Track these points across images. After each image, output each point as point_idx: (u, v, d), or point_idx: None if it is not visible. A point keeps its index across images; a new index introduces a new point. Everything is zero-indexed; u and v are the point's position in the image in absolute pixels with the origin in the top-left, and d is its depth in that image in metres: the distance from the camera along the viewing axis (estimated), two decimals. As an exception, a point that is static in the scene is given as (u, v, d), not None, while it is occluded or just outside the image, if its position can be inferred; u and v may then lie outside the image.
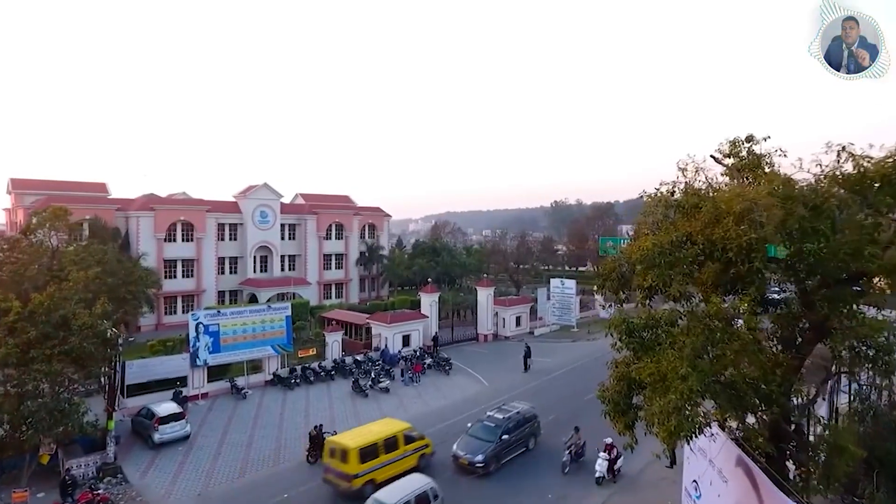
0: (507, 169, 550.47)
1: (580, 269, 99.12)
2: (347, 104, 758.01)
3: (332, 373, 35.15)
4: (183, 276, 59.03)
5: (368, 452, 20.40)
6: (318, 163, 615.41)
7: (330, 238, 69.91)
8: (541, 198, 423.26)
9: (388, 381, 32.96)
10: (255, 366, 34.31)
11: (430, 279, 47.47)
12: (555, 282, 48.92)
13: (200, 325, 31.26)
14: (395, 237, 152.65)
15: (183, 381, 30.55)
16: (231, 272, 63.33)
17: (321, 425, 24.28)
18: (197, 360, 30.97)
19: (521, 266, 78.29)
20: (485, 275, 48.02)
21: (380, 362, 37.05)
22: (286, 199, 73.30)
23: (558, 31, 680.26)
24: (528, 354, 36.28)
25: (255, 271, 64.13)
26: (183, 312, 57.97)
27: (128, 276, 36.98)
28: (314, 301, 66.73)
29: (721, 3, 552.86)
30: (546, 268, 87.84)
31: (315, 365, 35.47)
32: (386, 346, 38.85)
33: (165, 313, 57.11)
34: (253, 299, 60.69)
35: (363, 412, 29.53)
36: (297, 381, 33.73)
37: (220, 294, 61.91)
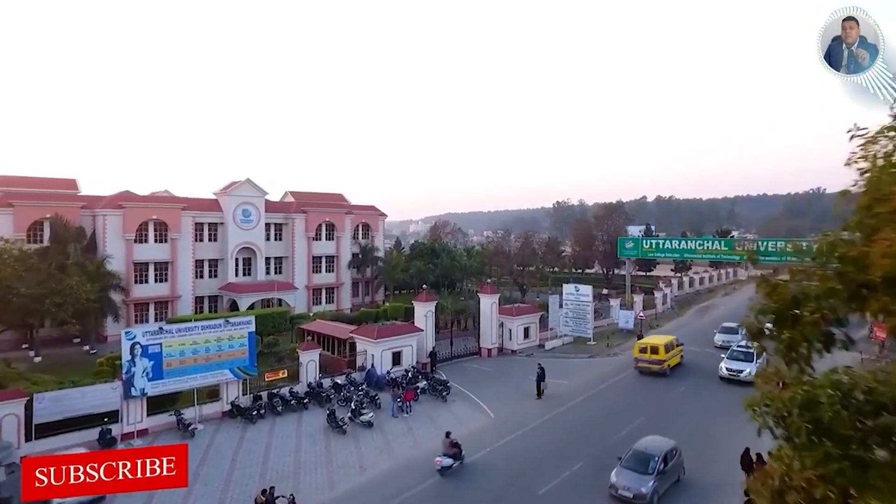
0: (509, 169, 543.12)
1: (587, 271, 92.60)
2: (347, 104, 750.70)
3: (306, 400, 28.40)
4: (156, 281, 52.36)
5: (666, 348, 32.97)
6: (317, 164, 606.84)
7: (320, 239, 63.23)
8: (542, 198, 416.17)
9: (371, 413, 26.21)
10: (212, 391, 27.68)
11: (424, 285, 40.68)
12: (568, 287, 42.13)
13: (137, 346, 24.56)
14: (394, 238, 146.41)
15: (113, 415, 23.93)
16: (210, 276, 56.64)
17: (272, 488, 17.57)
18: (132, 389, 24.28)
19: (526, 268, 71.55)
20: (488, 279, 41.42)
21: (364, 386, 30.36)
22: (276, 199, 66.83)
23: (558, 31, 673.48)
24: (541, 377, 29.51)
25: (237, 275, 57.47)
26: (156, 320, 51.51)
27: (58, 285, 30.41)
28: (302, 307, 60.15)
29: (720, 4, 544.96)
30: (552, 270, 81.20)
31: (285, 390, 28.79)
32: (373, 365, 32.15)
33: (136, 321, 50.42)
34: (233, 306, 54.12)
35: (338, 457, 22.82)
36: (262, 411, 27.01)
37: (198, 300, 55.28)
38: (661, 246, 52.32)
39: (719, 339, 38.96)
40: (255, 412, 26.58)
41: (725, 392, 29.16)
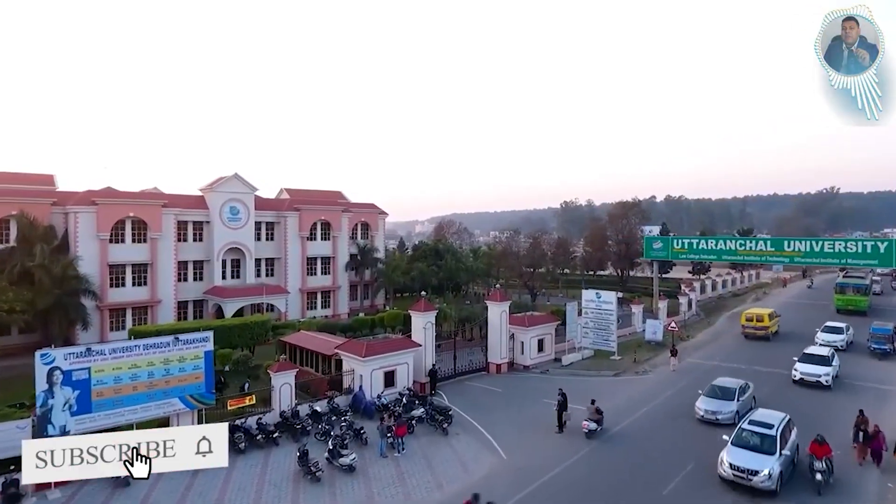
0: (515, 169, 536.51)
1: (599, 272, 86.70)
2: (353, 104, 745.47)
3: (277, 434, 22.89)
4: (133, 284, 47.08)
5: (770, 317, 40.17)
6: (320, 164, 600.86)
7: (315, 238, 57.80)
8: (549, 198, 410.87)
9: (353, 456, 20.60)
10: (163, 423, 22.23)
11: (424, 292, 35.03)
12: (588, 293, 36.38)
13: (57, 372, 19.20)
14: (397, 239, 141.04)
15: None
16: (196, 278, 51.33)
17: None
18: (49, 427, 18.89)
19: (536, 270, 65.76)
20: (497, 284, 35.66)
21: (348, 414, 24.81)
22: (272, 196, 61.56)
23: (562, 28, 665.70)
24: (563, 405, 23.85)
25: (224, 277, 52.15)
26: (134, 326, 46.26)
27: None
28: (296, 312, 54.81)
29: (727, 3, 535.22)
30: (562, 272, 75.42)
31: (252, 421, 23.29)
32: (360, 387, 26.61)
33: (111, 329, 45.29)
34: (219, 312, 48.85)
35: (304, 519, 17.35)
36: (220, 449, 21.53)
37: (181, 305, 49.96)
38: (695, 246, 45.60)
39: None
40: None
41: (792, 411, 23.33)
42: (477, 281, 73.77)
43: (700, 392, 25.62)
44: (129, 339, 34.09)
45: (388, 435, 21.98)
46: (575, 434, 23.12)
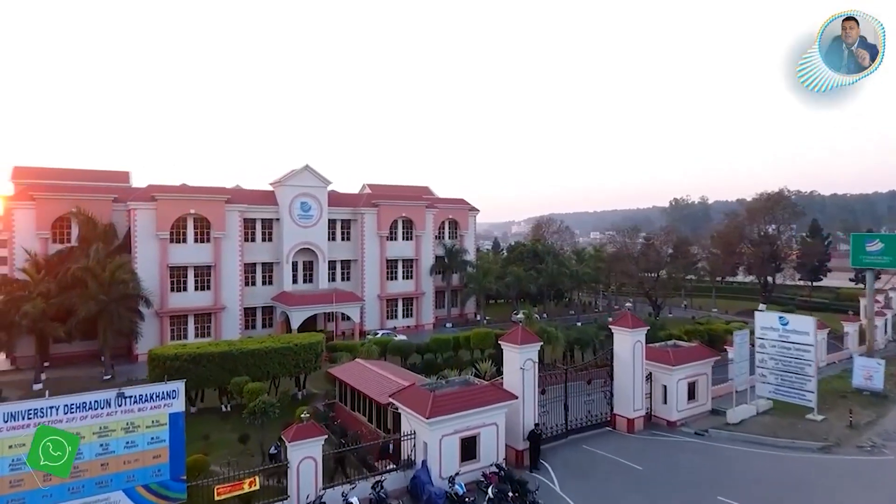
0: (617, 166, 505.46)
1: (728, 279, 71.21)
2: (451, 103, 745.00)
3: (281, 551, 13.71)
4: (196, 289, 41.07)
5: None
6: (414, 166, 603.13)
7: (395, 238, 49.29)
8: (654, 196, 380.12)
9: None
10: (120, 516, 13.90)
11: (521, 315, 24.47)
12: (764, 317, 24.02)
13: None
14: (492, 240, 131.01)
15: None
16: (265, 282, 44.65)
17: None
18: None
19: (658, 276, 52.70)
20: (627, 302, 23.98)
21: (402, 515, 15.13)
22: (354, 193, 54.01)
23: (667, 18, 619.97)
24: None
25: (295, 281, 45.04)
26: (197, 336, 40.40)
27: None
28: (374, 322, 46.69)
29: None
30: (687, 278, 61.35)
31: (250, 521, 14.38)
32: (424, 462, 16.85)
33: (171, 338, 39.42)
34: (287, 324, 41.66)
35: None
36: (187, 578, 12.74)
37: (248, 312, 43.43)
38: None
39: None
40: (165, 586, 12.28)
41: None
42: (582, 287, 61.93)
43: None
44: (149, 362, 27.11)
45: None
46: None
